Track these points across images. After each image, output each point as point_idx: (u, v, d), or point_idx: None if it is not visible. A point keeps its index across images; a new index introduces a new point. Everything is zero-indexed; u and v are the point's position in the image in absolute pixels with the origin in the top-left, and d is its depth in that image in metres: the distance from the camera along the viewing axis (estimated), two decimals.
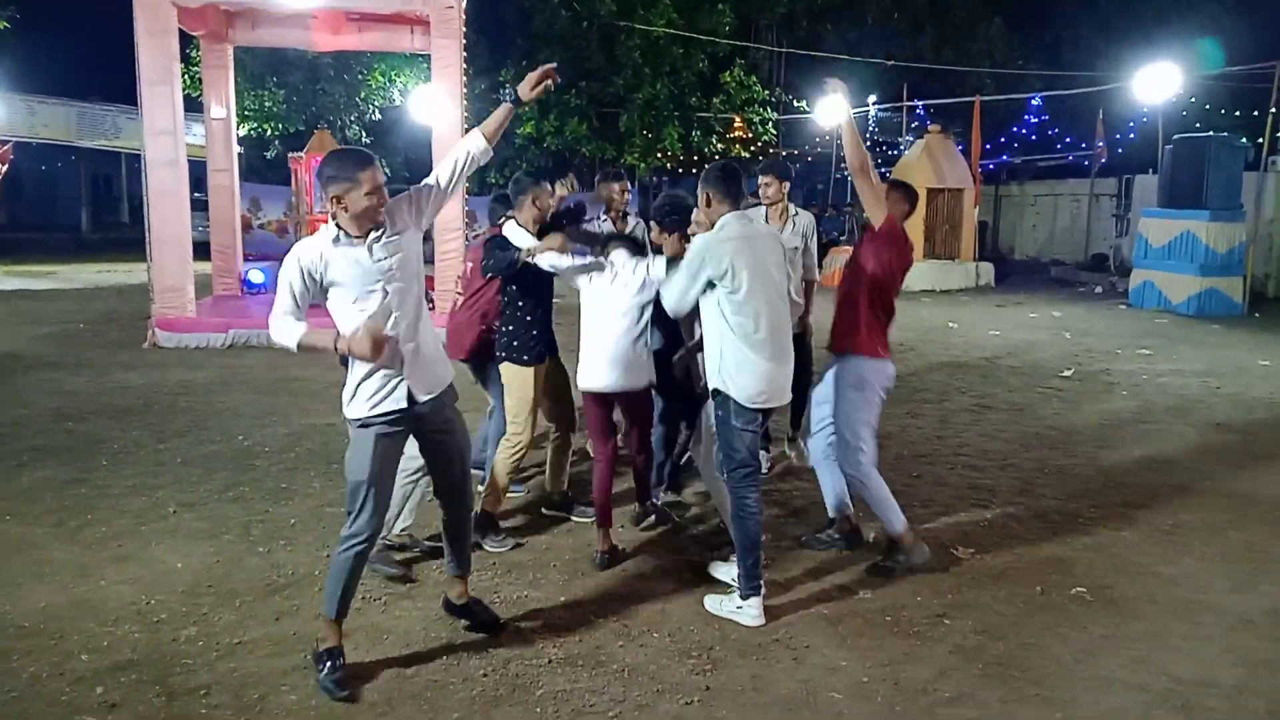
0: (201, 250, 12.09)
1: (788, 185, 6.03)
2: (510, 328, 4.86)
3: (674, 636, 3.95)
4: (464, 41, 11.53)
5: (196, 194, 13.14)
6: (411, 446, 3.84)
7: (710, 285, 4.00)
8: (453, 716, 3.35)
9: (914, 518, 5.33)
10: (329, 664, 3.51)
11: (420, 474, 4.46)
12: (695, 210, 4.49)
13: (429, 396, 3.58)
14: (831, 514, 4.98)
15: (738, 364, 4.02)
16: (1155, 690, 3.59)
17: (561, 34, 24.91)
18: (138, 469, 6.13)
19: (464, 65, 11.52)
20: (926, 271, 18.27)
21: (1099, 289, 18.22)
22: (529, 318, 4.85)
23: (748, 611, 4.09)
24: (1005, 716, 3.41)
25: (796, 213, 6.08)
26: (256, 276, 13.91)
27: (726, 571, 4.37)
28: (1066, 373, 9.85)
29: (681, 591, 4.37)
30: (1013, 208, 25.67)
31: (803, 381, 5.44)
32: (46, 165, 37.17)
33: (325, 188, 3.39)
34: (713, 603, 4.20)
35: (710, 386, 4.16)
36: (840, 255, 15.77)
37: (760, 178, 6.04)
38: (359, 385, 3.51)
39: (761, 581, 4.14)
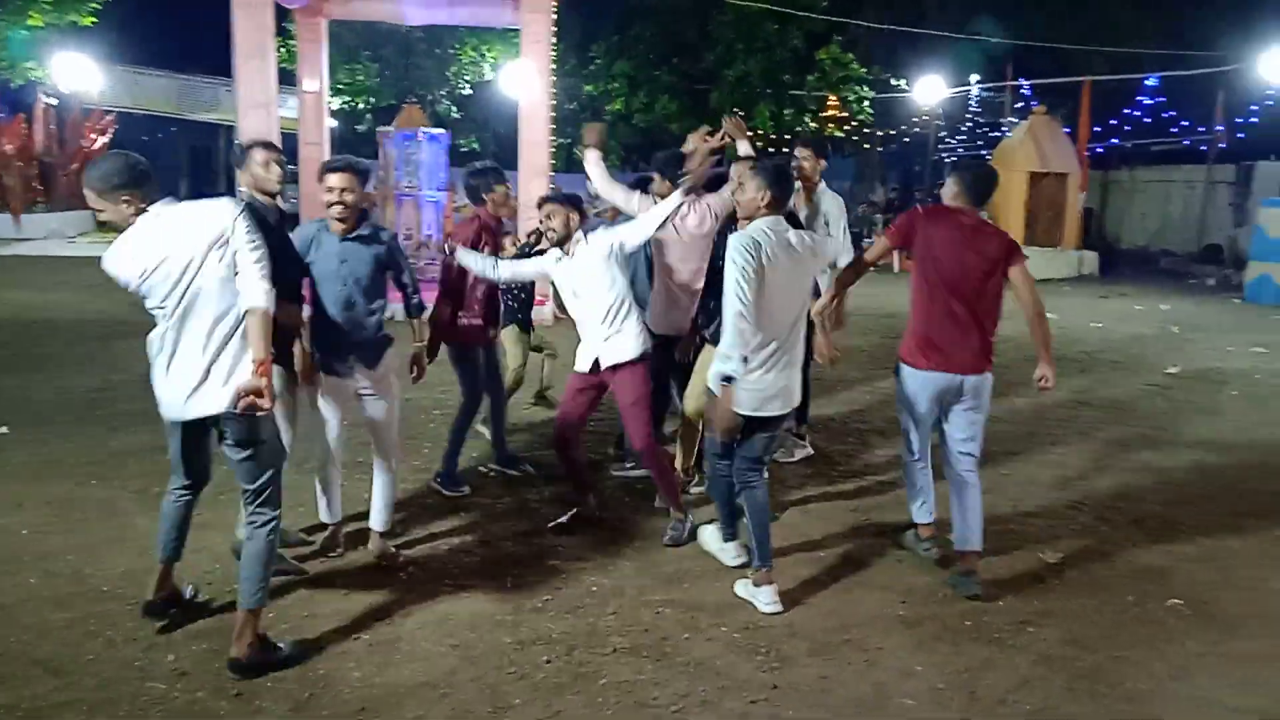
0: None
1: (823, 164, 5.87)
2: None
3: (743, 631, 3.84)
4: (554, 15, 11.45)
5: (290, 166, 13.37)
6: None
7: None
8: (513, 701, 3.30)
9: (1000, 518, 5.13)
10: None
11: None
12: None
13: None
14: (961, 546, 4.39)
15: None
16: (1258, 715, 3.35)
17: (655, 7, 24.65)
18: None
19: (553, 40, 11.45)
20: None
21: (1211, 282, 17.36)
22: None
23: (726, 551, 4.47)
24: None
25: (822, 193, 5.83)
26: None
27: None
28: (1172, 369, 9.37)
29: None
30: (1121, 194, 24.51)
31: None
32: (149, 136, 38.38)
33: None
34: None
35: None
36: None
37: (798, 150, 5.84)
38: None
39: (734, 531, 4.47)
